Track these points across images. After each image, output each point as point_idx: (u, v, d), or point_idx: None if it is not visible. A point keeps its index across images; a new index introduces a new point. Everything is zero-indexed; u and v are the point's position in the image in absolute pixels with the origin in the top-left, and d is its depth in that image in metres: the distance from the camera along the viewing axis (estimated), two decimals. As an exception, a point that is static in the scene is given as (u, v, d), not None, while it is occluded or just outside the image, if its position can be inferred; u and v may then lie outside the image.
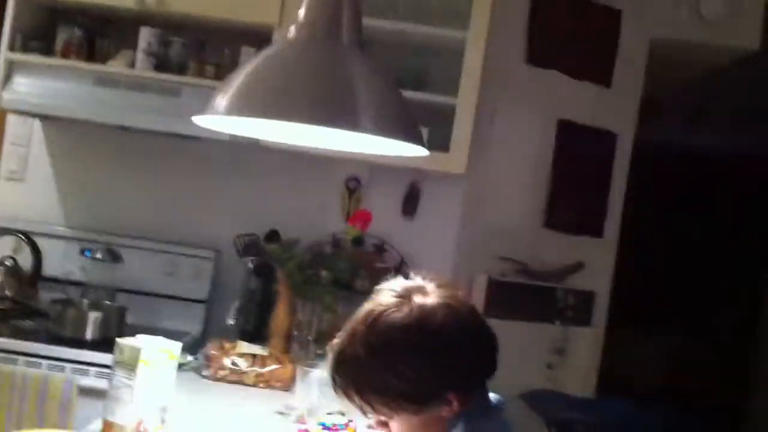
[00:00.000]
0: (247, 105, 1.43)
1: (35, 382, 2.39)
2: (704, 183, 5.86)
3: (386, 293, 1.32)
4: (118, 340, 1.77)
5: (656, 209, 5.61)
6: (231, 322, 2.78)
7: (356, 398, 1.30)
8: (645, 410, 3.61)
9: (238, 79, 1.45)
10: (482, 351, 1.33)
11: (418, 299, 1.29)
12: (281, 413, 2.06)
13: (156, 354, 1.75)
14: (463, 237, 3.09)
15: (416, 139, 1.53)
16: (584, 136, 3.28)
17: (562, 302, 3.28)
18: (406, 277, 1.35)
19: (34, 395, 2.38)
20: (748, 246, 5.81)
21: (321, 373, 2.05)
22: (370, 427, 1.49)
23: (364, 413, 1.33)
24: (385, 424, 1.34)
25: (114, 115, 2.76)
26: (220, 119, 1.50)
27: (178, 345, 1.80)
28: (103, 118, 2.79)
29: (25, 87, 2.77)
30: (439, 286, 1.32)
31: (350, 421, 1.82)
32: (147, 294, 2.91)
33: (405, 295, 1.30)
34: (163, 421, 1.78)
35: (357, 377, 1.29)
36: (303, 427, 1.79)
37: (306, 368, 2.06)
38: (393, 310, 1.28)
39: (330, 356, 1.32)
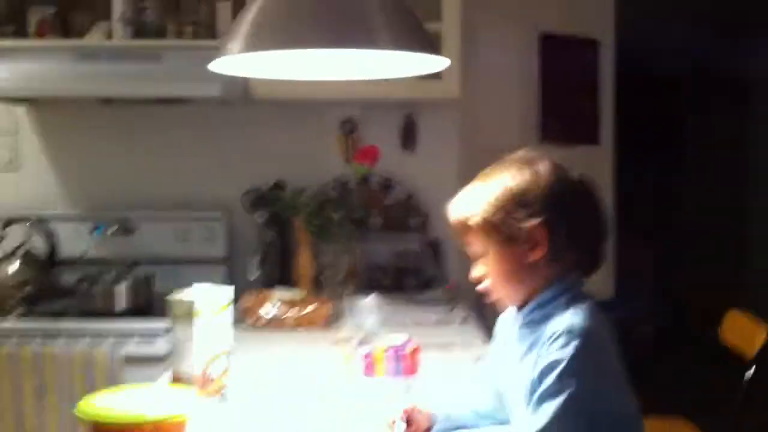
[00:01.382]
0: (259, 40, 1.41)
1: (80, 357, 2.40)
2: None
3: (508, 162, 1.42)
4: (168, 298, 1.77)
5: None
6: (253, 276, 2.79)
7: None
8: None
9: (247, 18, 1.42)
10: (585, 214, 1.40)
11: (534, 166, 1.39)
12: (340, 342, 2.07)
13: (208, 304, 1.76)
14: (464, 162, 3.11)
15: (434, 49, 1.53)
16: (567, 46, 3.30)
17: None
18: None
19: (80, 371, 2.38)
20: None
21: (371, 300, 2.08)
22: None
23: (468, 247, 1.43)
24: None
25: (98, 88, 2.71)
26: (234, 60, 1.48)
27: (229, 289, 1.81)
28: (87, 93, 2.75)
29: (4, 73, 2.69)
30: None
31: (410, 339, 1.85)
32: (163, 262, 2.89)
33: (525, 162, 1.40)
34: (226, 368, 1.79)
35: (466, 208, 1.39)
36: (367, 349, 1.81)
37: (351, 300, 2.08)
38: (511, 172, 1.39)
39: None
